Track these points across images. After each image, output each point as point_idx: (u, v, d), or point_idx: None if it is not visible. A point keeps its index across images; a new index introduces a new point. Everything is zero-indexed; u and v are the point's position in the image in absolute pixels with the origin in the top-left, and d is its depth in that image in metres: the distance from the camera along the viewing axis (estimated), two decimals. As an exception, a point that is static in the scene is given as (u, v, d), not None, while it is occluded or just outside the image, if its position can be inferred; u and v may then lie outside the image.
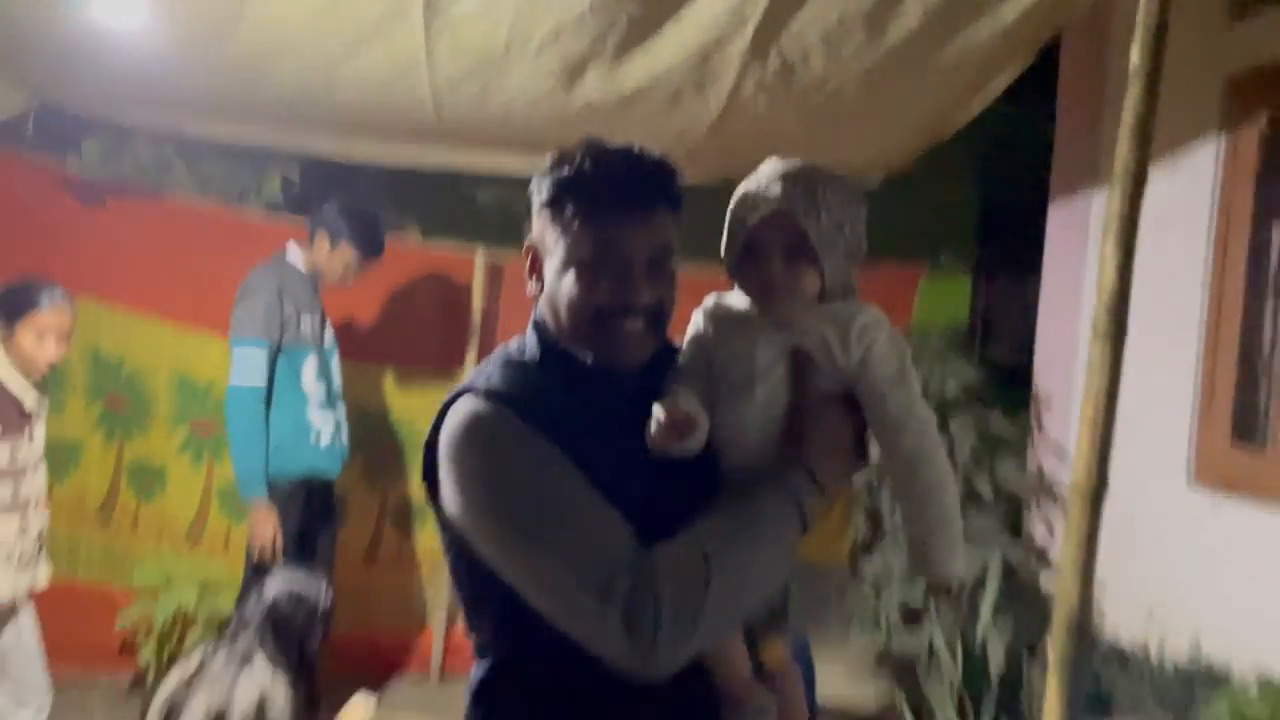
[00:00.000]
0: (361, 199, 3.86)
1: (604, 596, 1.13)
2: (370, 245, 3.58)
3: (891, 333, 1.27)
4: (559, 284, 1.28)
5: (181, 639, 3.91)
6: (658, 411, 1.22)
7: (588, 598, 1.14)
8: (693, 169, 3.86)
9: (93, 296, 3.93)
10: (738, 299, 1.35)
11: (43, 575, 2.92)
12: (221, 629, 3.86)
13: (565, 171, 1.26)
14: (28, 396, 2.83)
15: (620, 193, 1.26)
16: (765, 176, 1.29)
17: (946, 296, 5.14)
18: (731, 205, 1.32)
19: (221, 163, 4.30)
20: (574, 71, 2.78)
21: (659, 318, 1.30)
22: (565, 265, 1.27)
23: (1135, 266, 2.21)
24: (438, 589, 4.56)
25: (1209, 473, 3.52)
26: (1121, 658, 3.54)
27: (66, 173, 4.01)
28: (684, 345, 1.36)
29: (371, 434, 4.26)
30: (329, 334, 3.65)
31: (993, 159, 5.24)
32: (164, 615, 3.79)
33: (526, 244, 1.36)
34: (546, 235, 1.30)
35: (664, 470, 1.24)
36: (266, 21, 2.58)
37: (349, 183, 4.33)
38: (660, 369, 1.33)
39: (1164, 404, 3.72)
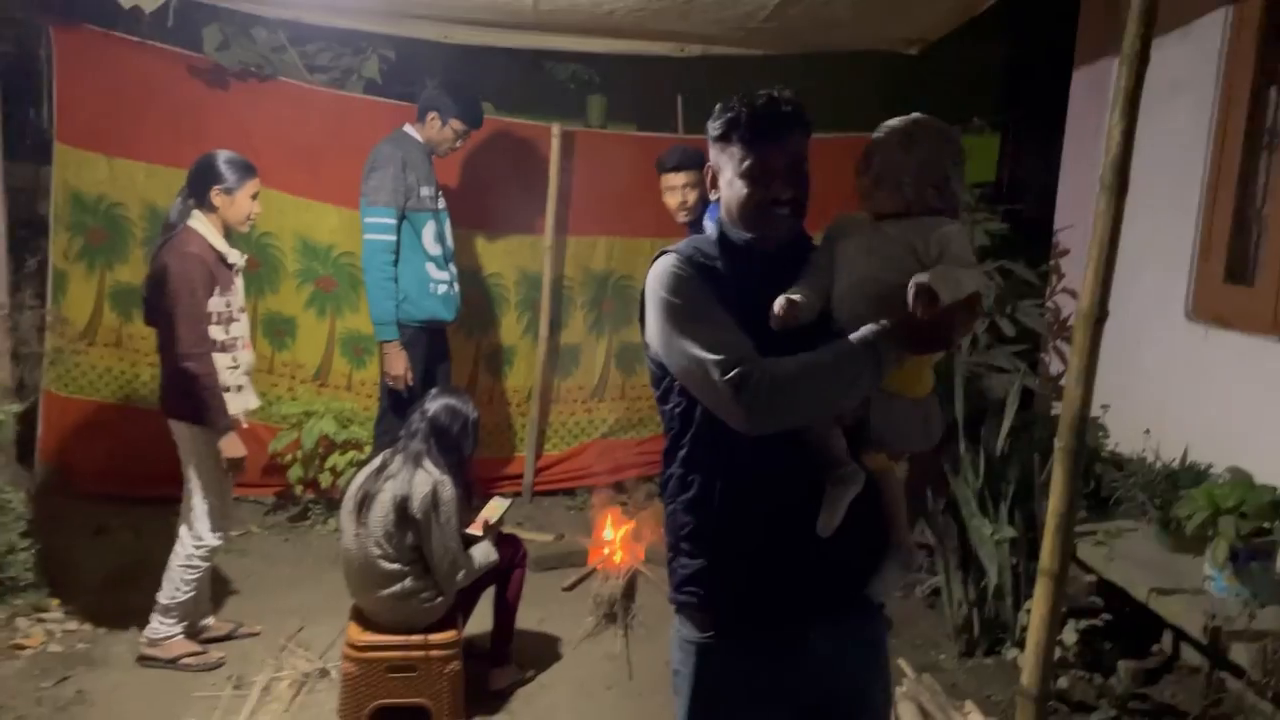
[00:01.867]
0: (453, 76, 4.34)
1: (724, 371, 1.71)
2: (474, 118, 4.13)
3: (961, 235, 1.81)
4: (731, 190, 1.85)
5: (323, 461, 4.62)
6: (777, 305, 1.78)
7: (715, 370, 1.71)
8: (759, 44, 4.32)
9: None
10: (856, 214, 1.91)
11: (253, 400, 3.47)
12: (357, 450, 4.55)
13: (730, 114, 1.82)
14: (233, 254, 3.36)
15: (767, 124, 1.81)
16: (884, 127, 1.83)
17: (977, 156, 5.58)
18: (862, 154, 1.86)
19: (327, 47, 4.74)
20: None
21: (798, 207, 1.86)
22: (735, 176, 1.84)
23: (1149, 127, 2.63)
24: (525, 422, 5.24)
25: (1204, 309, 4.05)
26: (1119, 464, 4.15)
27: (194, 58, 4.51)
28: (820, 243, 1.92)
29: (467, 290, 4.73)
30: (442, 201, 4.20)
31: (1018, 29, 5.57)
32: (310, 441, 4.49)
33: (706, 166, 1.92)
34: (721, 158, 1.87)
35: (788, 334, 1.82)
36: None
37: (440, 62, 4.78)
38: (797, 249, 1.90)
39: (1167, 249, 4.22)
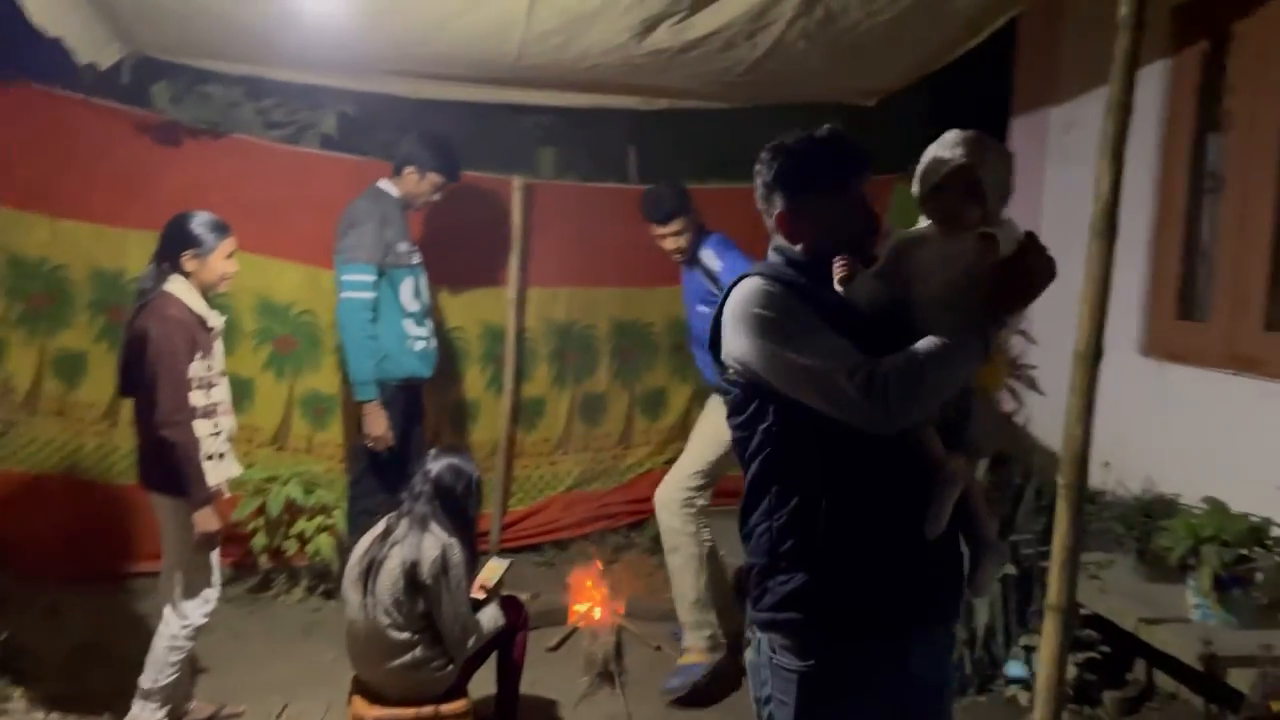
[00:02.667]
0: (422, 130, 4.27)
1: (850, 375, 1.74)
2: (452, 170, 4.08)
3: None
4: (829, 227, 1.93)
5: (288, 527, 4.45)
6: (838, 266, 1.88)
7: (839, 376, 1.75)
8: (728, 97, 4.40)
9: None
10: (918, 228, 1.95)
11: (235, 468, 3.34)
12: (325, 515, 4.40)
13: (813, 162, 1.92)
14: (212, 317, 3.24)
15: (864, 163, 1.94)
16: (951, 142, 1.89)
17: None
18: (924, 160, 1.92)
19: (283, 102, 4.64)
20: (650, 25, 3.27)
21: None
22: (840, 214, 1.94)
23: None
24: (490, 478, 5.15)
25: (1158, 344, 4.23)
26: (1090, 498, 4.27)
27: (144, 115, 4.36)
28: (882, 256, 1.96)
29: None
30: (418, 256, 4.13)
31: (961, 82, 5.80)
32: (277, 507, 4.32)
33: (778, 212, 1.96)
34: (803, 202, 1.94)
35: (870, 329, 1.86)
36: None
37: (399, 117, 4.72)
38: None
39: (1119, 289, 4.38)
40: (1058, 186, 4.78)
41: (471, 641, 3.00)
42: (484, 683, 3.30)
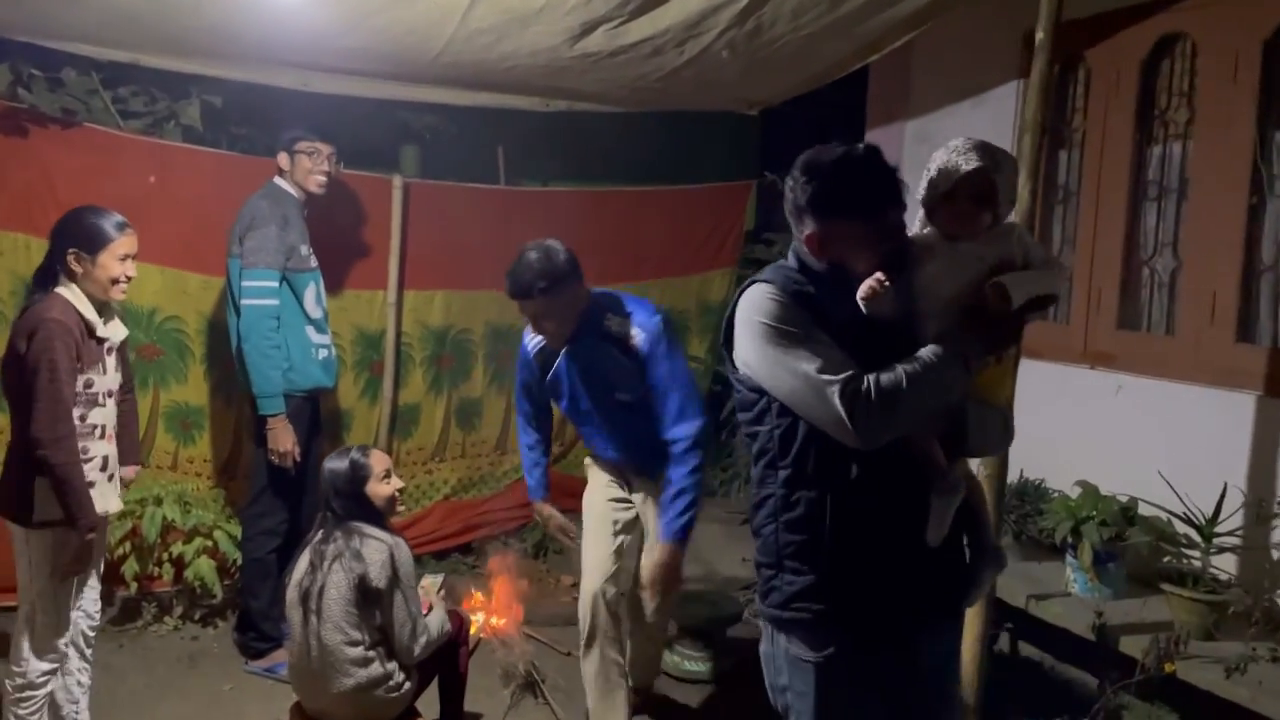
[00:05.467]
0: (288, 124, 4.02)
1: (838, 387, 1.79)
2: (324, 133, 3.84)
3: (1030, 236, 2.00)
4: (852, 250, 1.92)
5: (164, 550, 4.08)
6: (864, 287, 1.87)
7: (826, 386, 1.80)
8: (627, 102, 4.39)
9: (20, 229, 3.93)
10: (921, 235, 2.03)
11: (114, 503, 3.03)
12: (205, 537, 4.09)
13: (850, 188, 1.91)
14: (105, 327, 2.92)
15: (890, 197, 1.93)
16: (962, 149, 1.95)
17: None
18: (935, 167, 1.98)
19: (142, 90, 4.25)
20: (587, 30, 3.24)
21: None
22: (859, 241, 1.92)
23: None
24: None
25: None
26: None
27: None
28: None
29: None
30: (314, 260, 3.89)
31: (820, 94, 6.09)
32: (154, 531, 3.95)
33: (808, 234, 1.95)
34: (834, 226, 1.92)
35: (873, 340, 1.91)
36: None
37: (272, 107, 4.43)
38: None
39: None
40: (913, 195, 5.10)
41: (422, 642, 2.86)
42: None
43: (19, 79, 3.90)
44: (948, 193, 1.96)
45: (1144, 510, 3.65)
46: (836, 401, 1.78)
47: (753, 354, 1.92)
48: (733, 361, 2.02)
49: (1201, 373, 3.71)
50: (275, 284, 3.63)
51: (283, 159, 3.81)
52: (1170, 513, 3.54)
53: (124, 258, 2.95)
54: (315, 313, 3.81)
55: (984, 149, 1.95)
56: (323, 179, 3.85)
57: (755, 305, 1.92)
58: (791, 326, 1.87)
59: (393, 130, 4.93)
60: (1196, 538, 3.48)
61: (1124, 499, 3.70)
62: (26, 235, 3.92)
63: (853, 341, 1.88)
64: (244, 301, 3.61)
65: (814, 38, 3.52)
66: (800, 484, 1.96)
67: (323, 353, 3.85)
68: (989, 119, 4.70)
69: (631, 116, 4.78)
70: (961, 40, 4.71)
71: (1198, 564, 3.53)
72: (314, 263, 3.87)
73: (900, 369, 1.83)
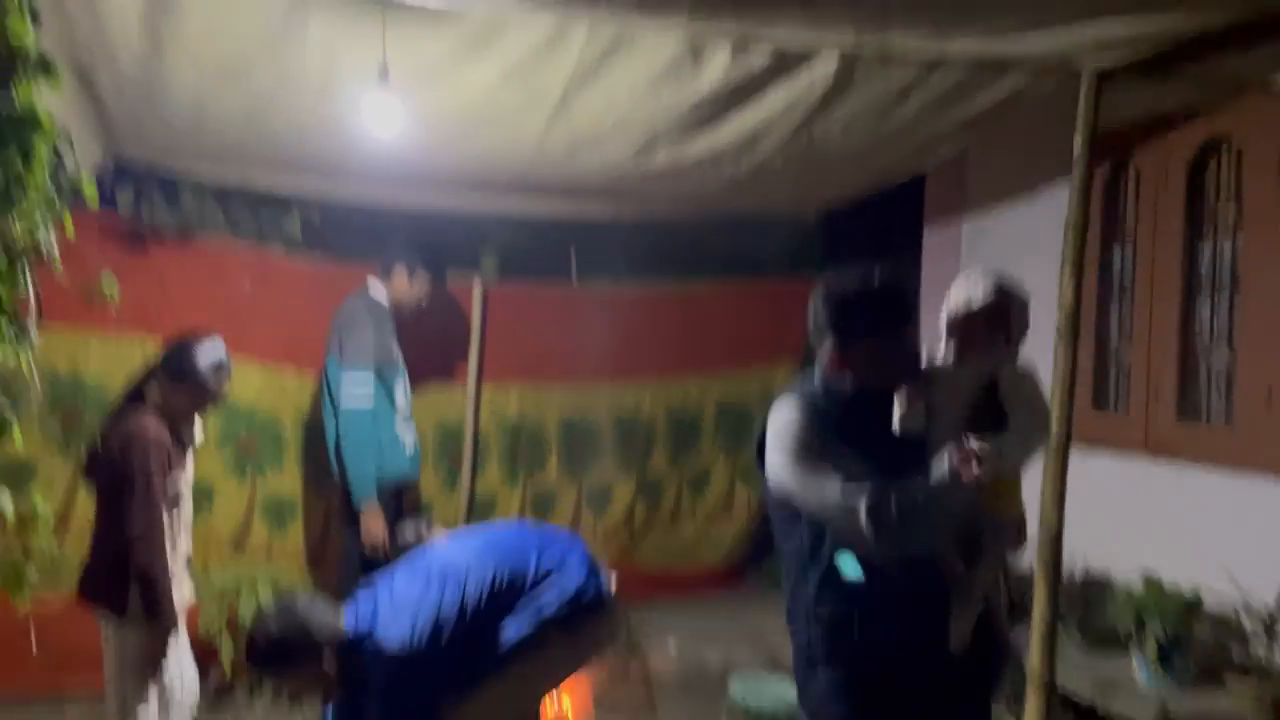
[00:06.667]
0: (384, 236, 4.38)
1: (861, 501, 1.97)
2: (440, 269, 4.18)
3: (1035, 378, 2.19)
4: (870, 367, 2.12)
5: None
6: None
7: (850, 499, 1.97)
8: (701, 208, 4.64)
9: (141, 331, 4.30)
10: (942, 360, 2.22)
11: (188, 592, 3.26)
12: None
13: (868, 312, 2.11)
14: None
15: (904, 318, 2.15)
16: (980, 283, 2.18)
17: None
18: (955, 300, 2.19)
19: (247, 205, 4.66)
20: (651, 147, 3.51)
21: None
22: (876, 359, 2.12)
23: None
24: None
25: (1078, 433, 4.63)
26: (1029, 580, 4.59)
27: (116, 220, 4.31)
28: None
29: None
30: (400, 357, 4.19)
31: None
32: (249, 614, 4.19)
33: (830, 353, 2.16)
34: (854, 345, 2.13)
35: (888, 456, 2.08)
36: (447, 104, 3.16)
37: (364, 219, 4.80)
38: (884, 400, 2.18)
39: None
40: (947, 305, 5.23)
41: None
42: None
43: (139, 198, 4.32)
44: (963, 319, 2.18)
45: (1208, 598, 3.67)
46: (861, 514, 1.96)
47: (782, 467, 2.10)
48: (764, 472, 2.19)
49: (1261, 463, 3.74)
50: (371, 382, 3.92)
51: (381, 274, 4.14)
52: (1233, 606, 3.56)
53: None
54: (404, 407, 4.09)
55: (997, 282, 2.17)
56: (414, 303, 4.18)
57: (785, 421, 2.11)
58: (817, 441, 2.06)
59: (473, 236, 5.26)
60: (1260, 630, 3.49)
61: (1187, 591, 3.72)
62: (142, 335, 4.28)
63: (871, 452, 2.06)
64: (344, 406, 3.90)
65: (864, 150, 3.73)
66: (828, 590, 2.12)
67: (409, 447, 4.11)
68: (1041, 217, 4.83)
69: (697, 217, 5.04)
70: (1015, 141, 4.89)
71: (1264, 655, 3.53)
72: (401, 359, 4.15)
73: (918, 492, 2.00)
